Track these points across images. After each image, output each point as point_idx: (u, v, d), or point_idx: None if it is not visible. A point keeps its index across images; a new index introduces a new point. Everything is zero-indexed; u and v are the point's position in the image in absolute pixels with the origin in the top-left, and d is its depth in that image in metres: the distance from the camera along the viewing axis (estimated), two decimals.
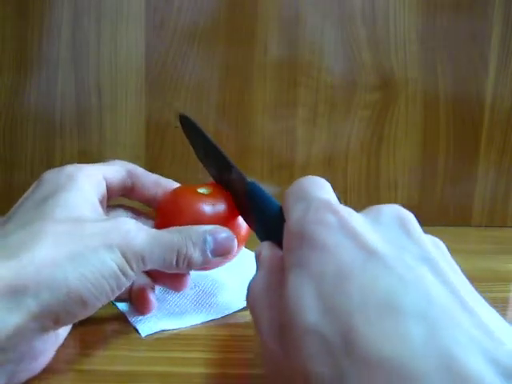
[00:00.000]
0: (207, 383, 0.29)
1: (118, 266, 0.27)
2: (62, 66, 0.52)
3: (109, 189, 0.34)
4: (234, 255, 0.33)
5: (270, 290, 0.24)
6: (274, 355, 0.23)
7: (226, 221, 0.34)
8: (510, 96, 0.55)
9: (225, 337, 0.33)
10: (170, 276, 0.34)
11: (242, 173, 0.34)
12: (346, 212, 0.23)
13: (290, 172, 0.56)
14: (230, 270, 0.41)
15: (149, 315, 0.35)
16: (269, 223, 0.30)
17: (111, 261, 0.27)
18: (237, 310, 0.36)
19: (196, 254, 0.30)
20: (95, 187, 0.32)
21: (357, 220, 0.23)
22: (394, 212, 0.24)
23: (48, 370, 0.29)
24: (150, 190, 0.36)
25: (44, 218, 0.27)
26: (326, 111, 0.54)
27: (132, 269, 0.28)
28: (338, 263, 0.21)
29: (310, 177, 0.28)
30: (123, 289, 0.28)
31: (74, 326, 0.33)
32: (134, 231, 0.29)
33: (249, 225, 0.34)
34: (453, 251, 0.24)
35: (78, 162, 0.33)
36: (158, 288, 0.38)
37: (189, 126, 0.38)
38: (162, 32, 0.52)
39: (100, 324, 0.34)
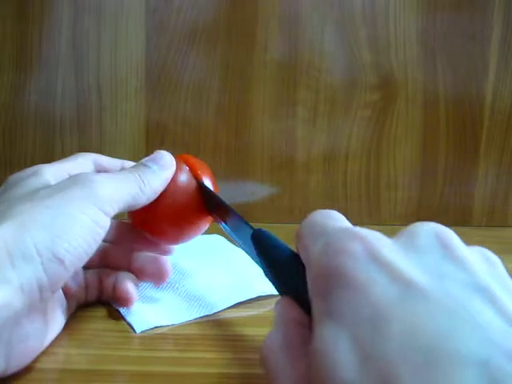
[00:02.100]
0: (207, 383, 0.29)
1: (90, 216, 0.28)
2: (62, 66, 0.52)
3: None
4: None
5: (291, 346, 0.22)
6: None
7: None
8: (510, 96, 0.55)
9: (224, 337, 0.33)
10: (151, 268, 0.36)
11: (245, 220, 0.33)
12: (375, 238, 0.21)
13: (290, 172, 0.56)
14: (222, 266, 0.42)
15: (143, 311, 0.35)
16: (281, 273, 0.27)
17: (82, 213, 0.28)
18: (230, 305, 0.37)
19: (151, 177, 0.33)
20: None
21: (387, 246, 0.20)
22: (430, 232, 0.21)
23: (43, 370, 0.29)
24: None
25: (9, 200, 0.29)
26: (326, 111, 0.54)
27: (106, 214, 0.29)
28: (372, 303, 0.18)
29: (321, 210, 0.25)
30: (99, 240, 0.29)
31: (70, 326, 0.33)
32: (98, 180, 0.30)
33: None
34: None
35: None
36: (151, 285, 0.38)
37: None
38: (161, 32, 0.52)
39: (97, 323, 0.34)
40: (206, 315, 0.36)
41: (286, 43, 0.53)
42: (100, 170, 0.36)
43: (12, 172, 0.33)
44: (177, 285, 0.39)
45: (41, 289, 0.26)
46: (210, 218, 0.37)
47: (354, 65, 0.54)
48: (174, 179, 0.35)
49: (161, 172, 0.34)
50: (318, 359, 0.19)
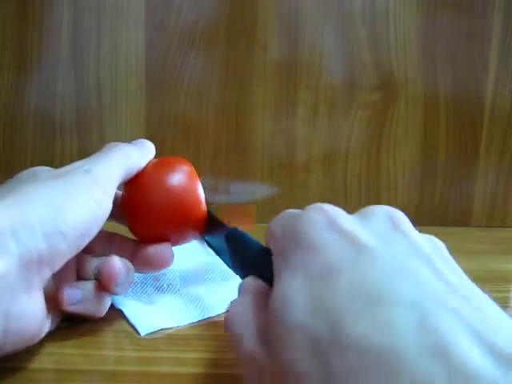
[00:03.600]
0: (207, 383, 0.29)
1: (92, 195, 0.30)
2: (62, 65, 0.52)
3: None
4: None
5: (255, 309, 0.24)
6: (258, 363, 0.22)
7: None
8: (510, 96, 0.55)
9: (224, 337, 0.33)
10: (152, 253, 0.36)
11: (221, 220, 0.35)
12: (334, 210, 0.24)
13: (289, 172, 0.56)
14: (226, 270, 0.42)
15: (147, 314, 0.35)
16: (252, 263, 0.30)
17: (84, 193, 0.29)
18: None
19: (135, 150, 0.35)
20: None
21: (345, 218, 0.23)
22: (384, 211, 0.24)
23: (43, 370, 0.29)
24: None
25: (13, 183, 0.31)
26: (326, 111, 0.54)
27: (106, 195, 0.31)
28: (326, 260, 0.21)
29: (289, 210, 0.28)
30: (101, 222, 0.30)
31: (70, 326, 0.33)
32: (94, 168, 0.31)
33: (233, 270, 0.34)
34: (453, 251, 0.23)
35: None
36: (155, 286, 0.38)
37: None
38: (161, 32, 0.52)
39: (98, 324, 0.34)
40: (210, 317, 0.36)
41: (286, 43, 0.53)
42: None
43: (12, 172, 0.33)
44: (180, 287, 0.39)
45: (40, 261, 0.27)
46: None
47: (354, 65, 0.54)
48: (169, 178, 0.35)
49: (140, 147, 0.36)
50: (275, 304, 0.22)
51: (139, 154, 0.35)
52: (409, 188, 0.56)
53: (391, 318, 0.18)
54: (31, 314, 0.28)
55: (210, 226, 0.36)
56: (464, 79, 0.54)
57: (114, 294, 0.33)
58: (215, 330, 0.34)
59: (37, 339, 0.29)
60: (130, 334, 0.33)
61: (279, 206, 0.56)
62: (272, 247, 0.26)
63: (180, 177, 0.36)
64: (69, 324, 0.33)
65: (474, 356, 0.17)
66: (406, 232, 0.22)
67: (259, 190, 0.56)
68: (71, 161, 0.34)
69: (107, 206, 0.31)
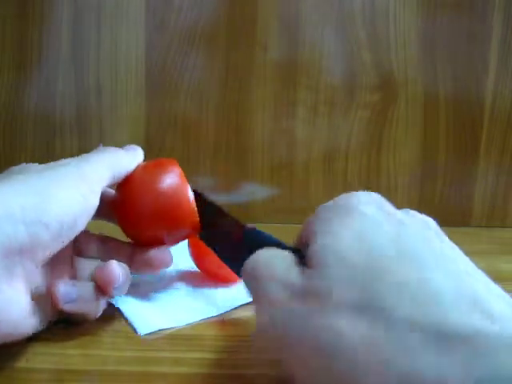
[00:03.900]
0: (207, 383, 0.29)
1: (79, 190, 0.30)
2: (62, 65, 0.52)
3: None
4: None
5: (283, 257, 0.25)
6: (294, 289, 0.23)
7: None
8: (510, 96, 0.55)
9: (224, 337, 0.33)
10: (151, 257, 0.35)
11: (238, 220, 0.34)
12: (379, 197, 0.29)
13: (289, 172, 0.56)
14: None
15: (146, 314, 0.35)
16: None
17: (72, 186, 0.30)
18: (233, 307, 0.37)
19: (124, 153, 0.35)
20: None
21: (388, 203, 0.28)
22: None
23: (43, 370, 0.29)
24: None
25: (4, 175, 0.32)
26: (326, 111, 0.54)
27: (94, 192, 0.30)
28: (373, 224, 0.24)
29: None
30: (87, 217, 0.30)
31: (70, 326, 0.33)
32: (84, 164, 0.32)
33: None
34: None
35: None
36: (155, 287, 0.38)
37: None
38: (161, 32, 0.52)
39: (98, 324, 0.34)
40: (209, 317, 0.36)
41: (286, 43, 0.53)
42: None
43: None
44: (179, 287, 0.39)
45: (21, 251, 0.27)
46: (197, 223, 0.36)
47: (354, 65, 0.54)
48: (162, 181, 0.35)
49: (130, 150, 0.36)
50: (321, 253, 0.23)
51: (128, 158, 0.35)
52: (409, 188, 0.56)
53: (426, 265, 0.21)
54: (14, 303, 0.28)
55: (206, 223, 0.36)
56: (464, 79, 0.54)
57: (111, 297, 0.33)
58: (215, 330, 0.34)
59: (23, 333, 0.29)
60: (130, 334, 0.33)
61: (279, 206, 0.56)
62: (315, 220, 0.27)
63: (167, 179, 0.35)
64: (68, 324, 0.33)
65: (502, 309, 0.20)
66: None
67: (259, 190, 0.56)
68: None
69: (93, 203, 0.31)
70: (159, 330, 0.34)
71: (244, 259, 0.31)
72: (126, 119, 0.54)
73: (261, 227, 0.35)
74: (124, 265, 0.33)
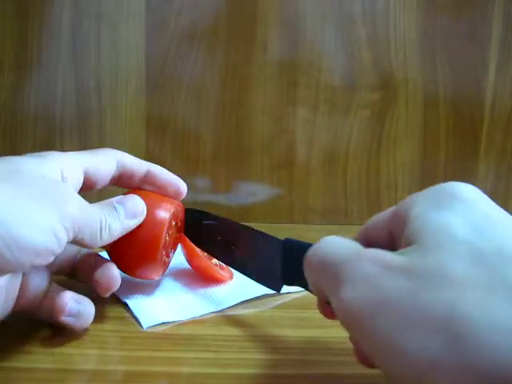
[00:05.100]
0: (207, 383, 0.29)
1: (51, 224, 0.27)
2: (62, 65, 0.52)
3: (90, 179, 0.34)
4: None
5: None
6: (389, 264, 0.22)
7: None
8: (510, 96, 0.55)
9: (225, 337, 0.33)
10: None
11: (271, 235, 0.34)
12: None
13: (290, 172, 0.56)
14: None
15: (150, 307, 0.35)
16: None
17: (46, 218, 0.27)
18: (237, 303, 0.37)
19: (113, 222, 0.31)
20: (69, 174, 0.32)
21: None
22: None
23: (43, 370, 0.29)
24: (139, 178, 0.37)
25: None
26: (326, 111, 0.54)
27: (66, 231, 0.28)
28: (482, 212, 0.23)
29: None
30: (49, 255, 0.27)
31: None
32: (72, 200, 0.29)
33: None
34: None
35: None
36: (160, 281, 0.39)
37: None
38: (161, 32, 0.52)
39: (99, 323, 0.34)
40: (213, 312, 0.36)
41: (286, 43, 0.53)
42: (122, 171, 0.36)
43: None
44: (185, 282, 0.40)
45: None
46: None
47: (354, 65, 0.54)
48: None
49: (125, 220, 0.33)
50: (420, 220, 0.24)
51: (116, 231, 0.32)
52: (409, 188, 0.56)
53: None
54: None
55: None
56: (464, 79, 0.54)
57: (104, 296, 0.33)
58: (215, 330, 0.34)
59: None
60: (130, 334, 0.33)
61: (279, 206, 0.56)
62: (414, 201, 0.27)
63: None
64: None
65: None
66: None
67: (259, 191, 0.56)
68: None
69: (63, 242, 0.28)
70: (162, 323, 0.34)
71: (282, 268, 0.32)
72: (126, 119, 0.54)
73: (261, 227, 0.35)
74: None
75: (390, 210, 0.27)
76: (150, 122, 0.54)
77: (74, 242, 0.29)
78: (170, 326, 0.34)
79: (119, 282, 0.33)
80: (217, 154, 0.55)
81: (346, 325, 0.23)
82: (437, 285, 0.20)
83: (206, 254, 0.39)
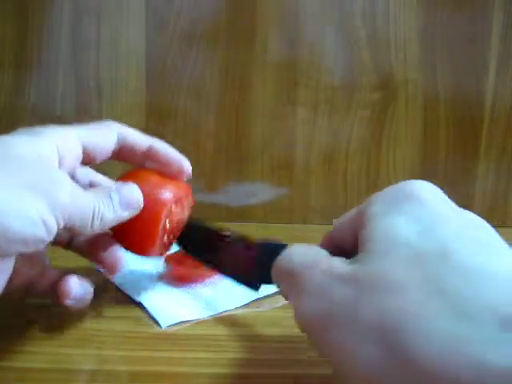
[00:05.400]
0: (207, 383, 0.29)
1: (40, 212, 0.26)
2: (62, 65, 0.52)
3: (89, 154, 0.33)
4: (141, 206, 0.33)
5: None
6: (344, 277, 0.22)
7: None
8: (510, 96, 0.55)
9: (225, 337, 0.33)
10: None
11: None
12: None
13: (290, 172, 0.56)
14: None
15: (167, 307, 0.36)
16: None
17: (34, 206, 0.26)
18: (252, 300, 0.37)
19: (106, 211, 0.30)
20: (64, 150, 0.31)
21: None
22: None
23: (43, 370, 0.29)
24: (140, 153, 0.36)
25: None
26: (326, 111, 0.54)
27: (56, 219, 0.27)
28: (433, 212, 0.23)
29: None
30: (39, 243, 0.26)
31: (70, 326, 0.33)
32: (65, 187, 0.28)
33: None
34: None
35: None
36: (172, 282, 0.39)
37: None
38: (162, 32, 0.52)
39: (99, 323, 0.34)
40: (229, 310, 0.36)
41: (286, 43, 0.53)
42: (123, 144, 0.34)
43: None
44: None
45: None
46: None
47: (354, 65, 0.54)
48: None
49: (119, 211, 0.31)
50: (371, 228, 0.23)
51: (108, 220, 0.31)
52: None
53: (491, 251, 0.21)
54: None
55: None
56: (464, 79, 0.54)
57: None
58: (215, 330, 0.34)
59: None
60: (130, 334, 0.33)
61: (279, 206, 0.56)
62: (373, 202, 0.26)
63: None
64: (69, 324, 0.33)
65: None
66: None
67: (259, 191, 0.56)
68: None
69: (53, 231, 0.27)
70: (181, 322, 0.34)
71: (258, 271, 0.32)
72: (126, 119, 0.54)
73: (261, 227, 0.35)
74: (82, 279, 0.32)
75: (354, 210, 0.27)
76: (150, 122, 0.54)
77: (65, 228, 0.28)
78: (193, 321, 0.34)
79: (124, 263, 0.33)
80: (217, 154, 0.55)
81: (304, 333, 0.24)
82: (376, 293, 0.20)
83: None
